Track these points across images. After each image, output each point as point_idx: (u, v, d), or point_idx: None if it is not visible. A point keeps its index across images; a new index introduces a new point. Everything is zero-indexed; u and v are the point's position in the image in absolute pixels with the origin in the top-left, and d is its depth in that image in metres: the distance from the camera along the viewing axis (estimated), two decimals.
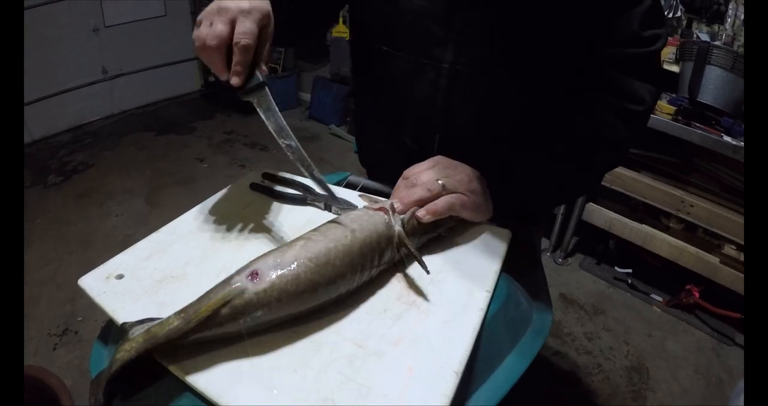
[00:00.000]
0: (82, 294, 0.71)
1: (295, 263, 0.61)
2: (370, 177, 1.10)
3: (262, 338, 0.61)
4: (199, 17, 0.70)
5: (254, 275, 0.59)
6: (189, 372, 0.56)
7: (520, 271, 0.80)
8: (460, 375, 0.55)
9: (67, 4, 3.87)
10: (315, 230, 0.69)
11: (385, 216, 0.71)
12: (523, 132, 0.90)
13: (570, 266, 2.55)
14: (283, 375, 0.56)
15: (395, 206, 0.73)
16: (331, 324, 0.62)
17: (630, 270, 2.44)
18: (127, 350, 0.55)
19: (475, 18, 0.80)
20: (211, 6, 0.70)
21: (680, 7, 2.12)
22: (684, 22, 2.16)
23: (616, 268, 2.48)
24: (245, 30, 0.67)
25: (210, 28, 0.68)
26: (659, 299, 2.30)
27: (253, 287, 0.58)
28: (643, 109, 0.82)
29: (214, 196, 0.91)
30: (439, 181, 0.76)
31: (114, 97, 4.43)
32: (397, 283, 0.69)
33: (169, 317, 0.57)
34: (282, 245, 0.66)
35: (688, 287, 2.18)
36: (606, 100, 0.82)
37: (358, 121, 1.20)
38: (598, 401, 1.87)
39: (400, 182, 0.80)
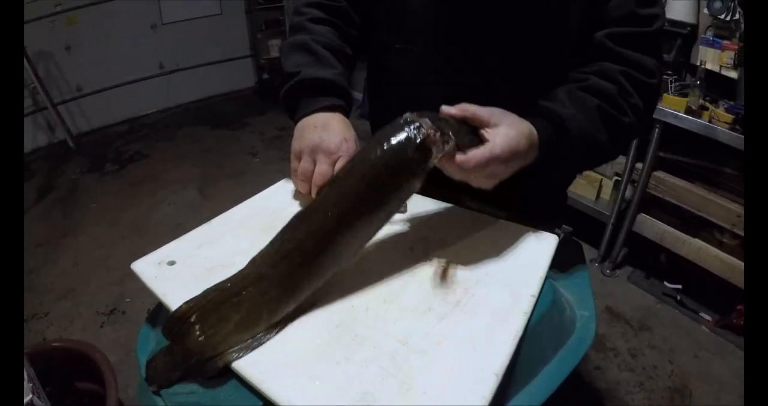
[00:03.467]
0: (131, 277, 0.73)
1: None
2: None
3: (307, 330, 0.62)
4: (295, 149, 0.83)
5: None
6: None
7: (566, 278, 0.79)
8: (500, 378, 0.55)
9: (127, 2, 4.05)
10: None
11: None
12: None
13: (618, 278, 2.49)
14: (327, 367, 0.57)
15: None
16: (377, 321, 0.63)
17: (680, 286, 2.36)
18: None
19: (474, 9, 0.84)
20: (303, 143, 0.82)
21: (738, 9, 2.04)
22: (742, 26, 2.07)
23: (665, 283, 2.41)
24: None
25: (313, 165, 0.81)
26: (708, 318, 2.22)
27: None
28: (653, 83, 0.81)
29: (265, 190, 0.93)
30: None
31: (170, 91, 4.58)
32: (443, 283, 0.70)
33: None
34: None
35: (738, 307, 2.09)
36: (616, 68, 0.81)
37: (372, 118, 1.20)
38: None
39: (499, 153, 0.68)
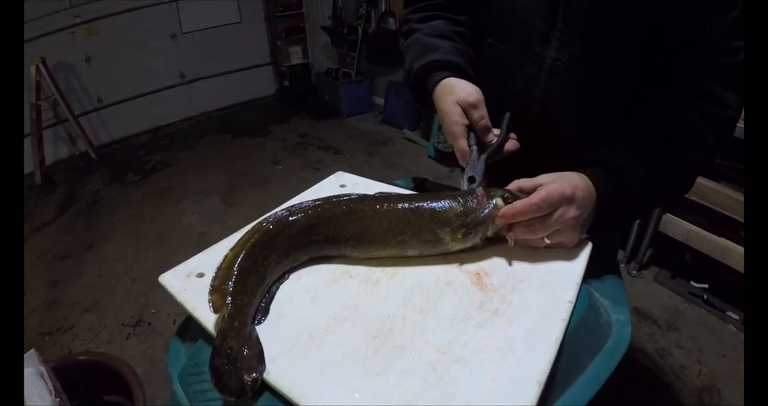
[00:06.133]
0: (156, 287, 0.73)
1: None
2: None
3: (345, 342, 0.62)
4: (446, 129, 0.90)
5: None
6: (271, 372, 0.59)
7: (600, 282, 0.79)
8: (542, 385, 0.54)
9: (147, 11, 4.09)
10: None
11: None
12: (611, 125, 0.89)
13: (644, 279, 2.47)
14: (366, 379, 0.57)
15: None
16: (414, 331, 0.63)
17: (706, 285, 2.34)
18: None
19: (575, 15, 0.83)
20: (444, 120, 0.90)
21: None
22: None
23: (691, 282, 2.38)
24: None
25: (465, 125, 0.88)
26: (736, 317, 2.19)
27: None
28: (729, 115, 0.80)
29: (292, 199, 0.93)
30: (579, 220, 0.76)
31: (191, 100, 4.63)
32: (479, 291, 0.69)
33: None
34: None
35: None
36: (690, 102, 0.80)
37: None
38: None
39: (536, 201, 0.72)
